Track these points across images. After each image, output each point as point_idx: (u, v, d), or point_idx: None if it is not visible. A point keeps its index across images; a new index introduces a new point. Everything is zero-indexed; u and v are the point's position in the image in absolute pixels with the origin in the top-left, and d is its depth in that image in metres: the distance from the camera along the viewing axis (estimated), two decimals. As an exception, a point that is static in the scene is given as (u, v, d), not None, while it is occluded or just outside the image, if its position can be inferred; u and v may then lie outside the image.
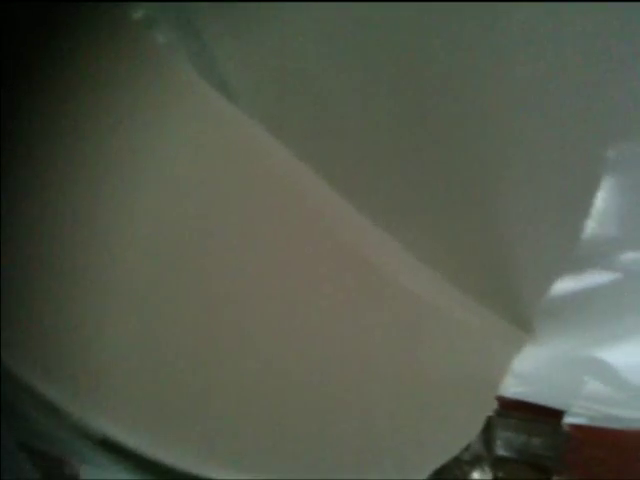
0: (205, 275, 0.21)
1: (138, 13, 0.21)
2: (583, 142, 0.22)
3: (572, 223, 0.24)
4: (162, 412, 0.20)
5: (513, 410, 0.37)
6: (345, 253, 0.22)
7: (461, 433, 0.28)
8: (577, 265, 0.25)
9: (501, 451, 0.38)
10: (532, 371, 0.32)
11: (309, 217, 0.21)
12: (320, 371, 0.22)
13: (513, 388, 0.36)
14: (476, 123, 0.22)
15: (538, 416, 0.37)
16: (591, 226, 0.24)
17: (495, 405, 0.39)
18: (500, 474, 0.38)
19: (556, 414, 0.37)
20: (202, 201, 0.20)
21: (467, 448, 0.44)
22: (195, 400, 0.20)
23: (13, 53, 0.19)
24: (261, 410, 0.21)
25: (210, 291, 0.21)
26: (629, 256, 0.24)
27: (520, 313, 0.27)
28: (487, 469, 0.40)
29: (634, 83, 0.21)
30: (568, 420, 0.38)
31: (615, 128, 0.22)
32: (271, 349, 0.22)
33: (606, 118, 0.22)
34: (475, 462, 0.41)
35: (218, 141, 0.20)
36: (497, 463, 0.38)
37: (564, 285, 0.26)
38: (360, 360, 0.23)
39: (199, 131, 0.20)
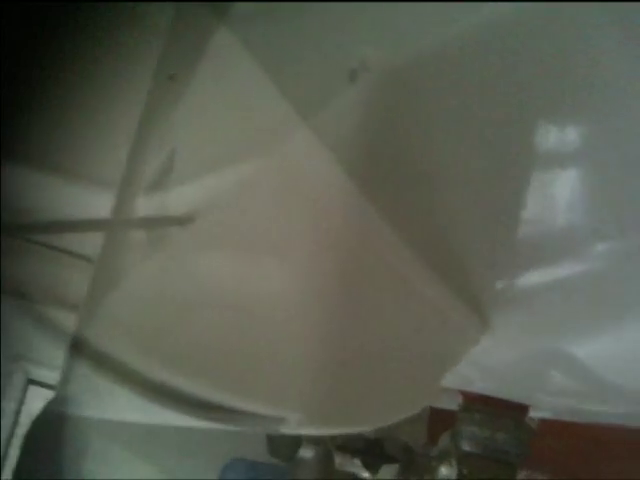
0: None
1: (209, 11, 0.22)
2: (515, 133, 0.22)
3: (509, 213, 0.24)
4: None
5: (478, 404, 0.37)
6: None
7: (402, 405, 0.28)
8: (547, 256, 0.25)
9: (466, 446, 0.37)
10: (498, 365, 0.32)
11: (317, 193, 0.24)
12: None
13: (478, 382, 0.36)
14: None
15: (503, 411, 0.37)
16: (562, 216, 0.23)
17: (460, 399, 0.39)
18: (465, 470, 0.37)
19: (521, 409, 0.37)
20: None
21: (436, 444, 0.44)
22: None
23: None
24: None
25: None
26: (601, 247, 0.23)
27: (477, 300, 0.26)
28: (455, 464, 0.40)
29: (586, 68, 0.20)
30: (533, 414, 0.37)
31: (571, 114, 0.21)
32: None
33: (551, 107, 0.21)
34: (443, 457, 0.41)
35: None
36: (462, 459, 0.38)
37: (532, 277, 0.25)
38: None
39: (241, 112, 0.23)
